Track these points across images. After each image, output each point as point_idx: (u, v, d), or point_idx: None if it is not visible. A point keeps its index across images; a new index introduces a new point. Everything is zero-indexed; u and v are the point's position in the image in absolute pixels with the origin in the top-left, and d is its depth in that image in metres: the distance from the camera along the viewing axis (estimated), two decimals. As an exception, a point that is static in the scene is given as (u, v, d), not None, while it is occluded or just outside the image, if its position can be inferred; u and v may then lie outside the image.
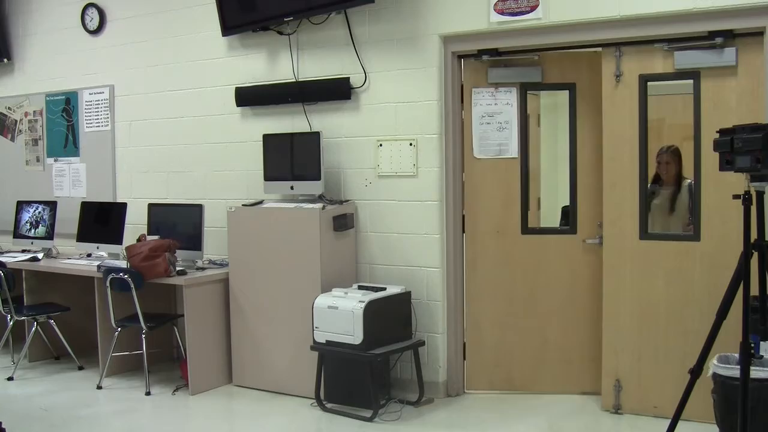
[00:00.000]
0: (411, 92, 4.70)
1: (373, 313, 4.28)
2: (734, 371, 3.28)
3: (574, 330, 4.66)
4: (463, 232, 4.80)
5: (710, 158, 3.62)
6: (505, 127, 4.72)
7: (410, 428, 4.21)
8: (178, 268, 4.91)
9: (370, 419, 4.27)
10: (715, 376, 3.49)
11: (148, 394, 4.87)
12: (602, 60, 4.29)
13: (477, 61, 4.68)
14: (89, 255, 5.74)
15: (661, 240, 4.19)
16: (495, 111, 4.72)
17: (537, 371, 4.74)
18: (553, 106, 5.17)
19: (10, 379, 5.27)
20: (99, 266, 5.11)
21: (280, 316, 4.79)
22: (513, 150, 4.71)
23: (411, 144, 4.69)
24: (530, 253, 4.72)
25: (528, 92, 4.73)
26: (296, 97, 5.09)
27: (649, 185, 4.40)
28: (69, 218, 5.99)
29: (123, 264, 5.00)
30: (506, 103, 4.72)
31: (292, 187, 4.96)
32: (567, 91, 4.66)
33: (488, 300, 4.80)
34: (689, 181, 4.39)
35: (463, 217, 4.79)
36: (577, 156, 4.64)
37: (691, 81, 4.06)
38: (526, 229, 4.74)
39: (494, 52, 4.58)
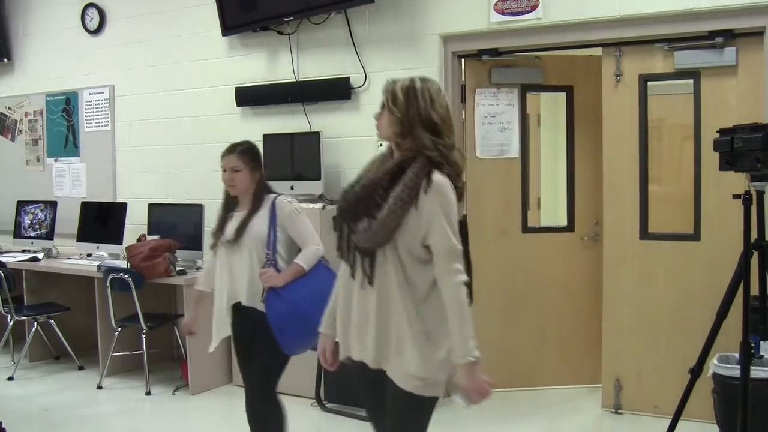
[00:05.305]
0: (411, 92, 4.69)
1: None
2: (734, 371, 3.28)
3: (572, 324, 4.78)
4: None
5: (710, 158, 3.61)
6: (506, 128, 4.76)
7: (410, 428, 4.21)
8: (178, 268, 4.91)
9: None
10: (715, 375, 3.49)
11: (148, 394, 4.87)
12: (602, 60, 4.29)
13: (479, 61, 4.68)
14: (89, 255, 5.73)
15: (661, 240, 4.18)
16: (497, 111, 4.75)
17: (537, 366, 4.80)
18: (554, 107, 5.23)
19: (10, 379, 5.26)
20: (99, 266, 5.11)
21: (280, 316, 4.78)
22: (514, 150, 4.76)
23: (411, 144, 4.68)
24: (530, 251, 4.77)
25: (528, 93, 4.80)
26: (296, 97, 5.09)
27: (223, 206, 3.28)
28: (69, 218, 5.98)
29: (123, 264, 4.99)
30: (507, 103, 4.76)
31: (292, 187, 4.96)
32: (564, 93, 4.81)
33: (490, 298, 4.82)
34: (275, 196, 3.21)
35: (465, 216, 4.79)
36: (575, 156, 4.77)
37: (691, 81, 4.06)
38: (526, 228, 4.81)
39: (494, 52, 4.57)
